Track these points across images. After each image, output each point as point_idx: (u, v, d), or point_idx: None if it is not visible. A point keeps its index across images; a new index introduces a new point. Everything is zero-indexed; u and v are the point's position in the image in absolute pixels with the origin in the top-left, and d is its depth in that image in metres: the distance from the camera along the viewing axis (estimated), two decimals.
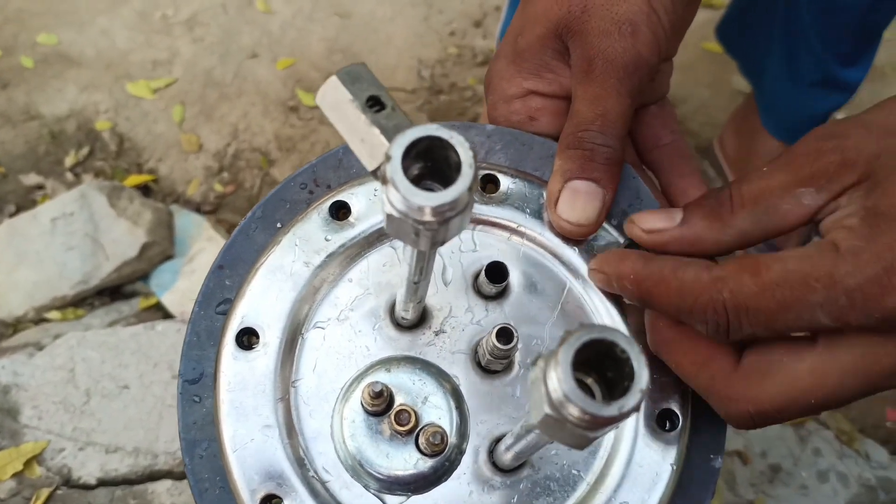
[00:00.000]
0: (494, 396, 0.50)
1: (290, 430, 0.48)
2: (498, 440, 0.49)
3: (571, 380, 0.28)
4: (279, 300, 0.50)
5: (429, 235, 0.31)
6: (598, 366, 0.31)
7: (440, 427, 0.46)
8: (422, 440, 0.46)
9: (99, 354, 1.27)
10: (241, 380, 0.48)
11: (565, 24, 0.54)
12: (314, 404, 0.49)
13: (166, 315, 1.48)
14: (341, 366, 0.49)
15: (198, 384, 0.51)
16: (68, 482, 1.16)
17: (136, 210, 1.57)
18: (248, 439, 0.47)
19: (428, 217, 0.30)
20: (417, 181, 0.31)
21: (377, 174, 0.33)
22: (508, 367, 0.50)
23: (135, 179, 1.68)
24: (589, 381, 0.32)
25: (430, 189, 0.31)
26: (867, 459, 1.11)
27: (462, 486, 0.48)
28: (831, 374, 0.42)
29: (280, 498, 0.47)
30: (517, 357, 0.51)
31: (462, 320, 0.51)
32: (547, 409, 0.29)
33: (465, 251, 0.52)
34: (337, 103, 0.33)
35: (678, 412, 0.50)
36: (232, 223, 1.64)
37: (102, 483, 1.16)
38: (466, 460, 0.48)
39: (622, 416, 0.28)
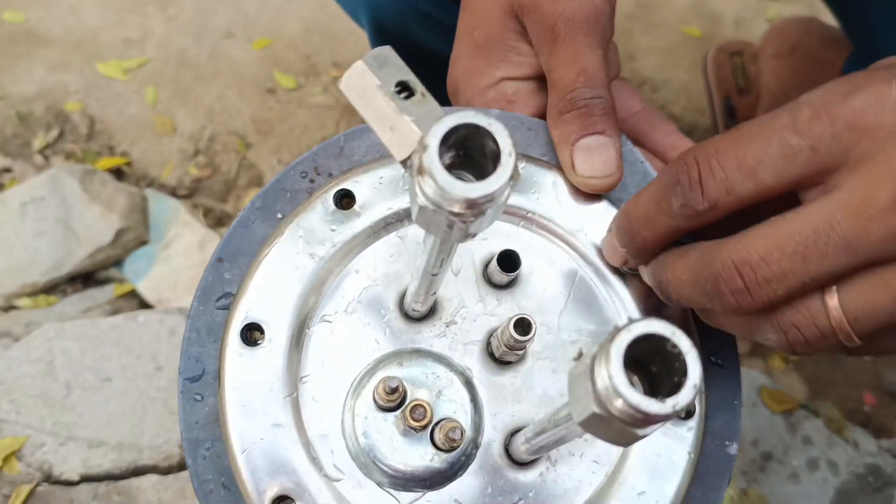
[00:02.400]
0: (508, 388, 0.48)
1: (300, 428, 0.46)
2: (513, 433, 0.48)
3: (624, 377, 0.27)
4: (284, 294, 0.48)
5: (463, 228, 0.30)
6: (643, 361, 0.30)
7: (457, 422, 0.45)
8: (439, 436, 0.45)
9: (78, 346, 1.24)
10: (248, 377, 0.46)
11: (517, 2, 0.55)
12: (324, 401, 0.47)
13: (142, 302, 1.45)
14: (350, 360, 0.48)
15: (199, 382, 0.49)
16: (49, 478, 1.13)
17: (109, 194, 1.53)
18: (256, 439, 0.45)
19: (464, 209, 0.28)
20: (448, 171, 0.29)
21: (406, 164, 0.31)
22: (522, 358, 0.49)
23: (107, 163, 1.64)
24: (634, 378, 0.30)
25: (462, 179, 0.29)
26: (856, 447, 1.11)
27: (478, 481, 0.47)
28: (821, 212, 0.39)
29: (292, 499, 0.45)
30: (530, 347, 0.49)
31: (473, 311, 0.50)
32: (594, 408, 0.28)
33: (474, 239, 0.51)
34: (363, 90, 0.31)
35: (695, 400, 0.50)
36: (208, 208, 1.61)
37: (85, 479, 1.13)
38: (482, 454, 0.47)
39: (675, 414, 0.27)
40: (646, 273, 0.48)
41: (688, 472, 0.49)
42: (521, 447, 0.46)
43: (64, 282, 1.47)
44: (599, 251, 0.51)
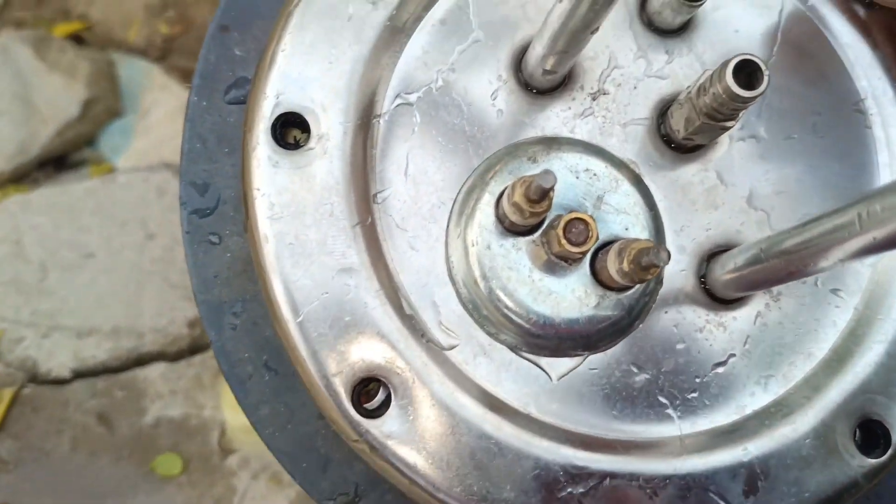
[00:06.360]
0: (697, 187, 0.31)
1: (382, 271, 0.29)
2: (711, 255, 0.31)
3: None
4: (336, 64, 0.30)
5: None
6: None
7: (646, 242, 0.27)
8: (614, 265, 0.27)
9: (50, 219, 1.07)
10: (292, 198, 0.29)
11: None
12: (414, 227, 0.30)
13: None
14: (449, 162, 0.30)
15: (212, 215, 0.32)
16: (35, 378, 0.98)
17: (69, 61, 1.34)
18: (318, 294, 0.28)
19: None
20: None
21: None
22: (713, 142, 0.32)
23: (64, 28, 1.44)
24: None
25: None
26: None
27: (663, 332, 0.30)
28: None
29: (380, 381, 0.28)
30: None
31: (631, 72, 0.32)
32: None
33: None
34: None
35: None
36: (187, 69, 1.40)
37: (79, 374, 0.98)
38: (665, 291, 0.30)
39: None
40: None
41: None
42: (724, 277, 0.29)
43: (34, 168, 1.30)
44: None
